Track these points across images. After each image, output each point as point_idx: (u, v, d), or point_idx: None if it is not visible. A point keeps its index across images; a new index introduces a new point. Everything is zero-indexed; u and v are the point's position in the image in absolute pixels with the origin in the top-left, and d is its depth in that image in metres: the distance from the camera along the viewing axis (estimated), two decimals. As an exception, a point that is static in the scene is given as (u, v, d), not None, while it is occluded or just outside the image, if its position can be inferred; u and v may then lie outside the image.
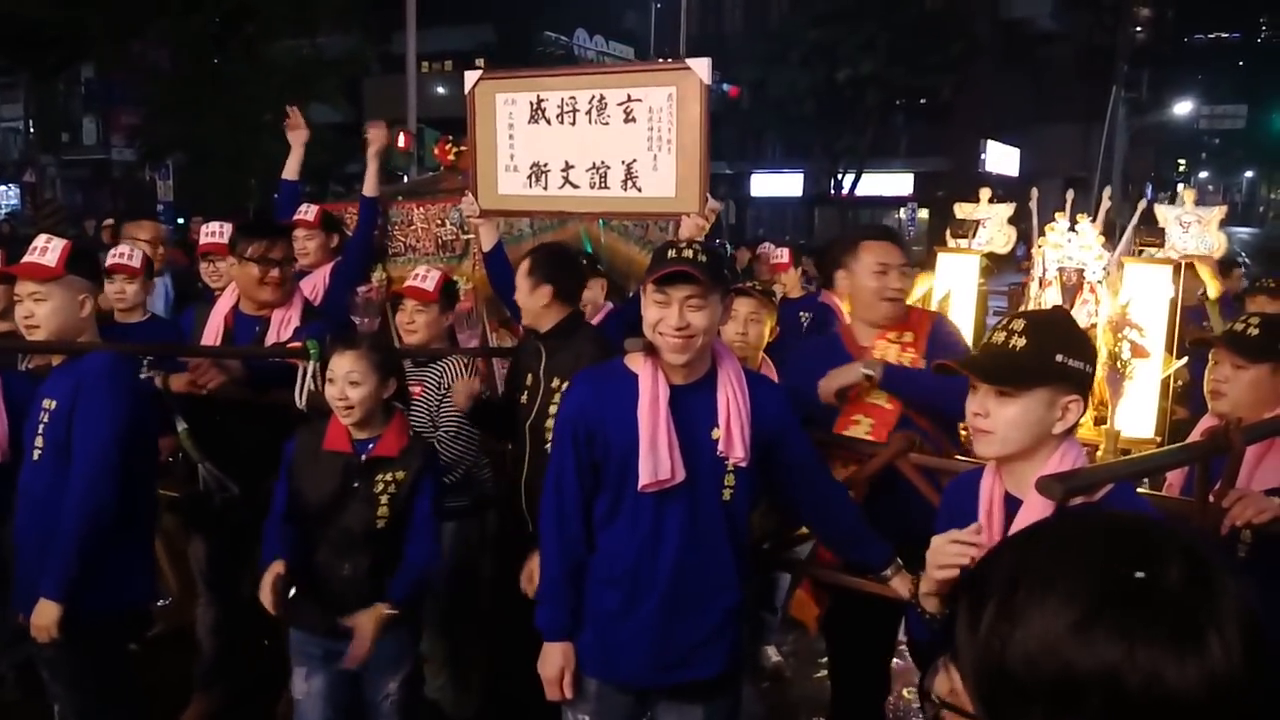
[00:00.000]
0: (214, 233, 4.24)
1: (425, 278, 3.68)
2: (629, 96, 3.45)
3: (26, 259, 2.82)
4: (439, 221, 4.51)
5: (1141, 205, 4.15)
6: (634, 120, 3.45)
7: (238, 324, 3.68)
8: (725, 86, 26.19)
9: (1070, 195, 4.15)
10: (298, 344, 3.39)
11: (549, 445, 3.04)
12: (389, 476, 2.84)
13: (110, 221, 9.10)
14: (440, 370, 3.55)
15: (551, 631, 2.51)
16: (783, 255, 6.62)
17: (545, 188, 3.60)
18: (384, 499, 2.82)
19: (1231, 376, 2.72)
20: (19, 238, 12.60)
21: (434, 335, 3.66)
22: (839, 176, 30.00)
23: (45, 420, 2.78)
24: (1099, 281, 4.02)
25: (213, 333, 3.68)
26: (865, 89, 27.76)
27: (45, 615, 2.66)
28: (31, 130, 24.43)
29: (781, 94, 27.65)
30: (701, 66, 3.36)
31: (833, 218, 29.68)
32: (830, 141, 29.12)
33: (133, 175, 22.05)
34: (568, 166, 3.57)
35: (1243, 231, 33.78)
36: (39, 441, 2.79)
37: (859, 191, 30.02)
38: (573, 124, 3.53)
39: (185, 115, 16.81)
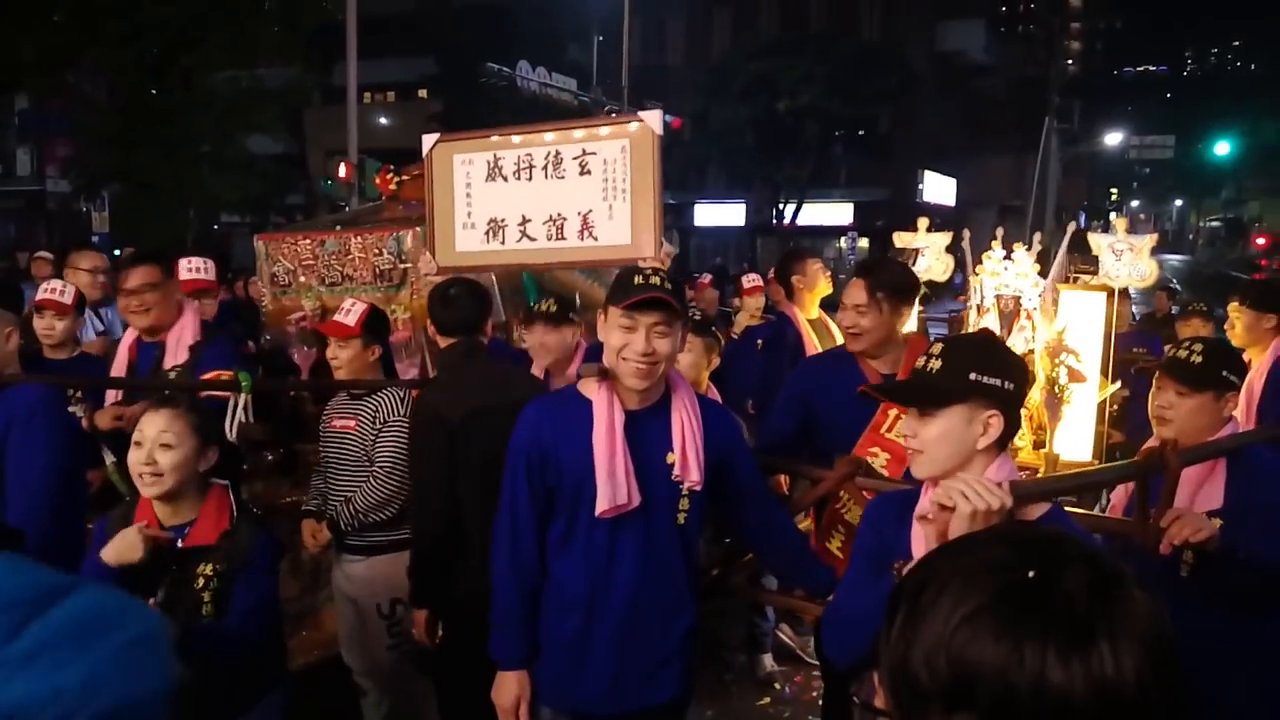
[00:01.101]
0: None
1: (349, 312, 3.58)
2: (584, 151, 3.56)
3: None
4: (376, 251, 4.48)
5: (1070, 229, 4.24)
6: (589, 172, 3.55)
7: (140, 353, 3.68)
8: (668, 118, 26.42)
9: (1000, 232, 4.25)
10: (225, 374, 3.36)
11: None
12: (209, 569, 2.43)
13: (42, 254, 8.80)
14: (375, 404, 3.48)
15: (506, 660, 2.49)
16: (754, 280, 6.72)
17: (503, 242, 3.67)
18: (207, 595, 2.42)
19: (1175, 403, 2.73)
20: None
21: (360, 369, 3.57)
22: (780, 206, 30.37)
23: None
24: (1035, 308, 4.09)
25: (120, 364, 3.69)
26: (805, 120, 28.21)
27: None
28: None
29: (723, 125, 27.98)
30: (654, 119, 3.52)
31: (775, 247, 30.01)
32: (771, 172, 29.50)
33: (68, 207, 21.59)
34: (525, 220, 3.65)
35: (1173, 259, 34.80)
36: None
37: (800, 221, 30.40)
38: (529, 179, 3.62)
39: (122, 146, 16.51)
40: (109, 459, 3.33)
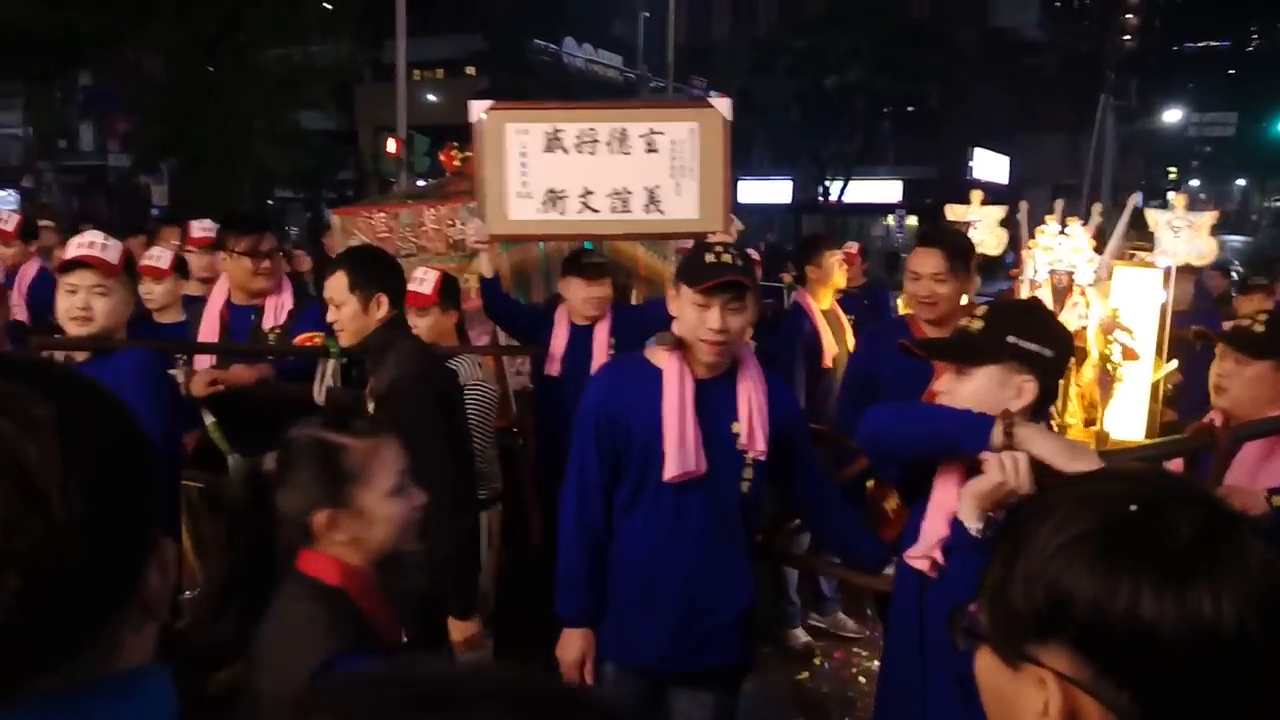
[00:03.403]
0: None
1: (423, 281, 3.67)
2: (651, 130, 3.64)
3: (87, 253, 2.82)
4: (449, 222, 4.57)
5: (1131, 204, 4.19)
6: (656, 151, 3.65)
7: (233, 315, 3.81)
8: (712, 94, 26.26)
9: (1060, 205, 4.20)
10: (315, 339, 3.48)
11: None
12: None
13: (46, 222, 8.53)
14: (453, 370, 3.55)
15: (572, 618, 2.57)
16: (852, 248, 6.81)
17: (563, 213, 3.73)
18: None
19: (1233, 372, 2.75)
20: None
21: (440, 335, 3.66)
22: (827, 183, 30.09)
23: None
24: (1089, 285, 4.07)
25: (210, 327, 3.81)
26: (852, 96, 27.87)
27: None
28: (29, 136, 24.44)
29: (769, 101, 27.75)
30: (724, 105, 3.68)
31: (820, 225, 29.77)
32: (818, 148, 29.21)
33: (128, 181, 22.03)
34: (587, 192, 3.71)
35: (1235, 239, 33.78)
36: None
37: (847, 198, 30.10)
38: (592, 154, 3.68)
39: (178, 121, 16.81)
40: (208, 418, 3.44)
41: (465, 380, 3.52)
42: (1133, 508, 0.83)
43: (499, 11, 27.63)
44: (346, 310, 2.83)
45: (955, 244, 3.23)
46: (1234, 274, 9.86)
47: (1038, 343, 1.94)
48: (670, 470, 2.41)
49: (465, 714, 0.49)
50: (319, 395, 3.32)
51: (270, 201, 23.85)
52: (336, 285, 2.84)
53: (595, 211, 3.73)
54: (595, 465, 2.50)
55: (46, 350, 3.37)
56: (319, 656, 1.55)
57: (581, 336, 4.06)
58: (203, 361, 3.65)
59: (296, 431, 1.81)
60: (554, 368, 4.07)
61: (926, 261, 3.19)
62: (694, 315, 2.39)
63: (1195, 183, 55.31)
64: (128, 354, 2.84)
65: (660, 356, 2.50)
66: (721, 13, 34.60)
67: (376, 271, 2.89)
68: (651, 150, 3.65)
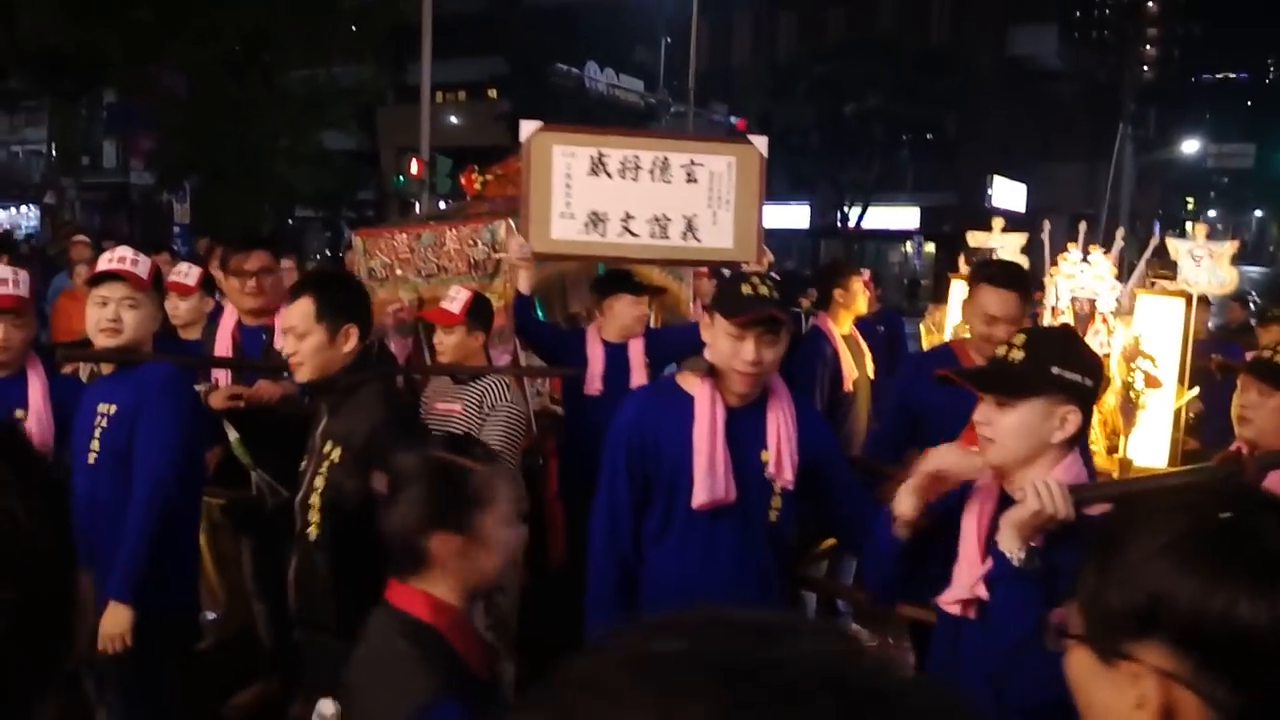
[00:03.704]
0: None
1: (454, 300, 3.71)
2: (692, 160, 3.81)
3: (117, 267, 2.85)
4: (471, 242, 4.61)
5: (1154, 242, 4.21)
6: (695, 181, 3.81)
7: (244, 336, 3.84)
8: (732, 119, 26.43)
9: (1083, 227, 4.21)
10: None
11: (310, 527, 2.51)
12: None
13: (80, 238, 8.39)
14: (482, 389, 3.58)
15: None
16: (864, 274, 6.85)
17: (603, 235, 3.85)
18: None
19: (1257, 403, 2.73)
20: (39, 257, 12.69)
21: (465, 355, 3.69)
22: (845, 209, 30.15)
23: (103, 425, 2.78)
24: (1111, 312, 4.07)
25: (223, 347, 3.84)
26: (871, 123, 27.99)
27: (118, 621, 2.62)
28: (53, 153, 24.74)
29: (788, 127, 27.87)
30: (761, 143, 3.90)
31: (838, 250, 29.79)
32: (836, 174, 29.31)
33: (150, 199, 22.27)
34: (628, 217, 3.84)
35: (1252, 270, 33.62)
36: (94, 445, 2.79)
37: (865, 224, 30.15)
38: (635, 180, 3.82)
39: (201, 139, 17.01)
40: (232, 434, 3.48)
41: (495, 401, 3.54)
42: (1224, 515, 0.88)
43: (521, 35, 27.92)
44: (310, 341, 2.54)
45: (1024, 282, 3.15)
46: (1252, 304, 9.85)
47: (1079, 373, 1.91)
48: (700, 498, 2.41)
49: (799, 643, 0.51)
50: None
51: (290, 221, 24.06)
52: (301, 312, 2.55)
53: (635, 236, 3.85)
54: (625, 486, 2.50)
55: (72, 362, 3.43)
56: (412, 696, 1.52)
57: (616, 355, 4.12)
58: (223, 379, 3.68)
59: (411, 453, 1.75)
60: (595, 387, 4.11)
61: (1003, 305, 3.05)
62: (728, 346, 2.38)
63: (1213, 213, 55.18)
64: (152, 367, 2.87)
65: (692, 383, 2.51)
66: (742, 39, 34.82)
67: (347, 299, 2.65)
68: (691, 180, 3.80)
